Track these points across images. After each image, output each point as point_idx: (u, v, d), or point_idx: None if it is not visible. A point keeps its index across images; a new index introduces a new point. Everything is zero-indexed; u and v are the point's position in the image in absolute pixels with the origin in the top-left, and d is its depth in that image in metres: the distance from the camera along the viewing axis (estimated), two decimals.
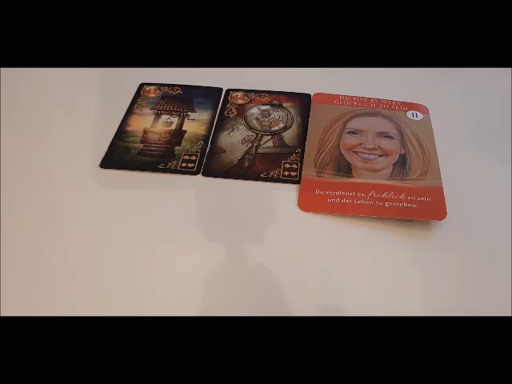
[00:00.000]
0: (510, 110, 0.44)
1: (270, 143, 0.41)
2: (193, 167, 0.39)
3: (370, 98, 0.45)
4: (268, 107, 0.44)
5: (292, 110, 0.44)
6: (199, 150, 0.40)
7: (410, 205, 0.35)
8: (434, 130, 0.41)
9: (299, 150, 0.40)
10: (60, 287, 0.32)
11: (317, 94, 0.45)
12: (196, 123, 0.43)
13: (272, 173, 0.38)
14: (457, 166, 0.39)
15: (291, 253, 0.33)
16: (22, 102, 0.45)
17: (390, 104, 0.44)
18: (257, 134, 0.42)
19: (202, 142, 0.41)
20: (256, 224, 0.35)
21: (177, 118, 0.43)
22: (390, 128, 0.41)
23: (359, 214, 0.35)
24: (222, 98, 0.46)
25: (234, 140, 0.41)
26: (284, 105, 0.45)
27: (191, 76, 0.47)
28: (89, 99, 0.45)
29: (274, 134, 0.42)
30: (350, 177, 0.38)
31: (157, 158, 0.40)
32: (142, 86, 0.47)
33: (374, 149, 0.40)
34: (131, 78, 0.47)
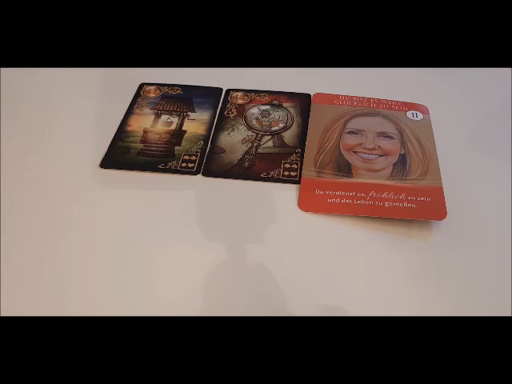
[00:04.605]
0: (510, 110, 0.44)
1: (270, 143, 0.41)
2: (193, 167, 0.39)
3: (370, 98, 0.45)
4: (268, 107, 0.44)
5: (292, 110, 0.44)
6: (199, 150, 0.40)
7: (409, 205, 0.35)
8: (434, 130, 0.41)
9: (299, 150, 0.40)
10: (60, 287, 0.32)
11: (317, 94, 0.45)
12: (196, 123, 0.43)
13: (272, 173, 0.38)
14: (457, 166, 0.39)
15: (291, 253, 0.33)
16: (22, 103, 0.45)
17: (390, 104, 0.44)
18: (257, 134, 0.42)
19: (202, 142, 0.41)
20: (256, 224, 0.35)
21: (177, 118, 0.43)
22: (389, 128, 0.41)
23: (359, 214, 0.35)
24: (221, 98, 0.46)
25: (234, 140, 0.41)
26: (284, 105, 0.45)
27: (191, 76, 0.47)
28: (89, 99, 0.45)
29: (273, 134, 0.42)
30: (350, 177, 0.38)
31: (157, 158, 0.40)
32: (142, 85, 0.47)
33: (373, 149, 0.40)
34: (131, 78, 0.47)
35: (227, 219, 0.35)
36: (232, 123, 0.43)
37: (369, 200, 0.36)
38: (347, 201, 0.36)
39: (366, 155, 0.39)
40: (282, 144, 0.41)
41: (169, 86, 0.47)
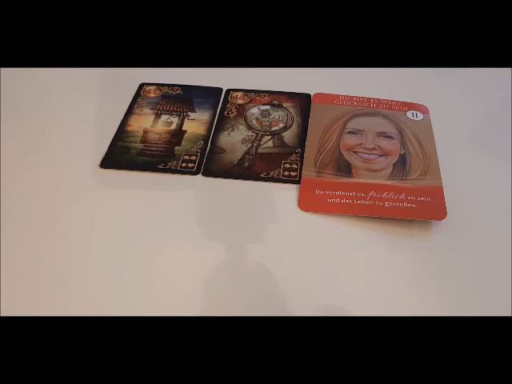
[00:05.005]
0: (510, 110, 0.44)
1: (270, 143, 0.41)
2: (193, 167, 0.39)
3: (369, 98, 0.45)
4: (268, 107, 0.44)
5: (292, 110, 0.44)
6: (199, 150, 0.40)
7: (409, 205, 0.35)
8: (434, 130, 0.41)
9: (299, 150, 0.40)
10: (60, 287, 0.32)
11: (317, 94, 0.45)
12: (196, 123, 0.43)
13: (272, 173, 0.38)
14: (457, 166, 0.39)
15: (291, 253, 0.33)
16: (22, 103, 0.45)
17: (390, 104, 0.44)
18: (257, 134, 0.42)
19: (202, 142, 0.41)
20: (256, 224, 0.35)
21: (177, 118, 0.43)
22: (390, 128, 0.41)
23: (359, 214, 0.35)
24: (221, 98, 0.46)
25: (234, 140, 0.41)
26: (284, 105, 0.45)
27: (191, 76, 0.47)
28: (89, 99, 0.45)
29: (273, 134, 0.42)
30: (349, 177, 0.38)
31: (157, 158, 0.40)
32: (142, 85, 0.47)
33: (373, 149, 0.40)
34: (131, 78, 0.47)
35: (227, 219, 0.35)
36: (232, 123, 0.43)
37: (369, 200, 0.36)
38: (347, 201, 0.36)
39: (366, 155, 0.39)
40: (282, 144, 0.41)
41: (169, 86, 0.47)
